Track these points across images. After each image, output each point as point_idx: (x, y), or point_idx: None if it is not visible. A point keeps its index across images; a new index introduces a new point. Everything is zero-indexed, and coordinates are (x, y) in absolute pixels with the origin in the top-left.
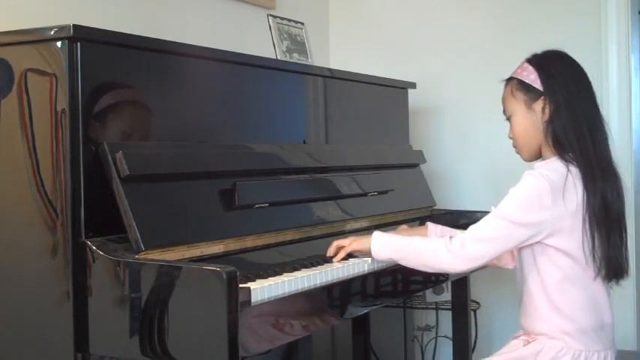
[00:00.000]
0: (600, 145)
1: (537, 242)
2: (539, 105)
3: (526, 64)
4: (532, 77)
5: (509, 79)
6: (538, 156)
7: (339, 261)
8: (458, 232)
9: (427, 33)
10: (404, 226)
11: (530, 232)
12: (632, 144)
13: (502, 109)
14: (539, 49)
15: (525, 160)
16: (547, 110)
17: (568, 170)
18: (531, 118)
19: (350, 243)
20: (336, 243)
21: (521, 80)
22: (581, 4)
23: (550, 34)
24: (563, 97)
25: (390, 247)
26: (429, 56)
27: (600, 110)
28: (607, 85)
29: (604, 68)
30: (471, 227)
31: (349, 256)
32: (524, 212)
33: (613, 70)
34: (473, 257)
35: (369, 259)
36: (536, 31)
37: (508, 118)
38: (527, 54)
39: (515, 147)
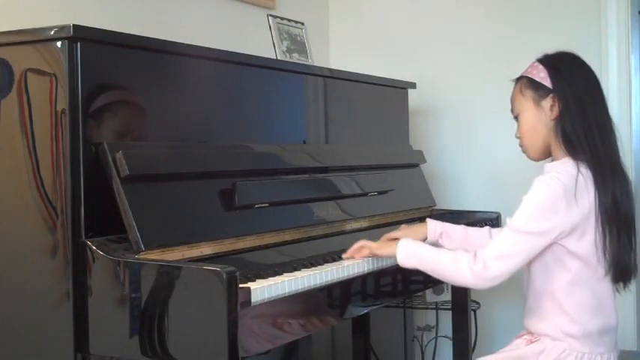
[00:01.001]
0: (610, 145)
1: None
2: (547, 102)
3: (537, 63)
4: (542, 75)
5: (519, 78)
6: (545, 155)
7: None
8: (459, 231)
9: (427, 33)
10: (404, 225)
11: (549, 239)
12: (632, 144)
13: (510, 108)
14: (539, 49)
15: (532, 159)
16: (556, 108)
17: (579, 172)
18: (539, 116)
19: (377, 247)
20: (362, 241)
21: (530, 78)
22: (581, 4)
23: (550, 34)
24: (572, 95)
25: (417, 258)
26: (429, 56)
27: (610, 112)
28: (607, 85)
29: (604, 68)
30: (491, 245)
31: None
32: (540, 221)
33: (613, 70)
34: (496, 276)
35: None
36: (537, 31)
37: (516, 117)
38: (527, 54)
39: (521, 146)
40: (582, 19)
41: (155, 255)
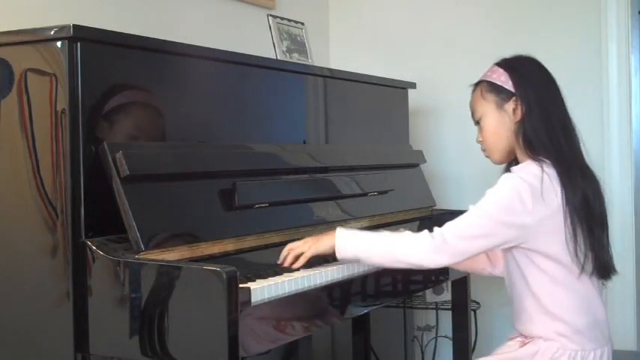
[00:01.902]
0: (574, 146)
1: (517, 248)
2: (510, 106)
3: (496, 67)
4: (503, 79)
5: (478, 83)
6: (509, 158)
7: (298, 267)
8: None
9: (427, 33)
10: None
11: (513, 234)
12: (632, 144)
13: (470, 113)
14: (539, 49)
15: (495, 162)
16: (519, 111)
17: (543, 171)
18: (502, 119)
19: (309, 247)
20: (288, 247)
21: (491, 82)
22: (581, 4)
23: (550, 34)
24: (534, 98)
25: (356, 241)
26: (429, 56)
27: (571, 116)
28: (607, 85)
29: (604, 68)
30: (451, 224)
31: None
32: (506, 212)
33: (613, 70)
34: (455, 253)
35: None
36: (537, 32)
37: (477, 122)
38: (527, 54)
39: (484, 150)
40: (582, 19)
41: (155, 255)
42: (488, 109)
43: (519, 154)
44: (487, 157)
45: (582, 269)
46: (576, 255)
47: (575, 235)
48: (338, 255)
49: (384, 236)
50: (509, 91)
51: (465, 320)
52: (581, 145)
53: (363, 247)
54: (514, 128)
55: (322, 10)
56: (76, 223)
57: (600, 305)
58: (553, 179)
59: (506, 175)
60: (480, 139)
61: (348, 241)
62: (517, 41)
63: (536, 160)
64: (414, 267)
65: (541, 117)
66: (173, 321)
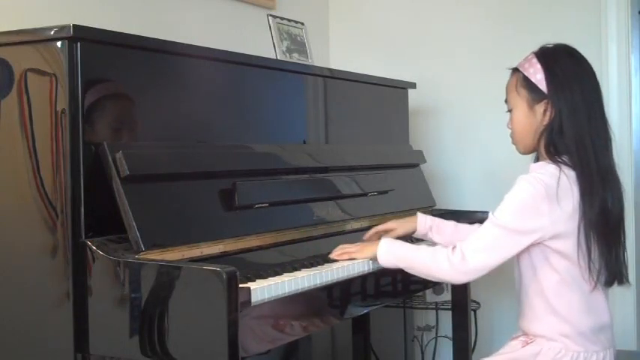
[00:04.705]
0: (601, 153)
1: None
2: (541, 107)
3: (534, 60)
4: (538, 77)
5: (515, 70)
6: (533, 150)
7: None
8: (449, 225)
9: (427, 33)
10: (392, 221)
11: (530, 239)
12: (632, 144)
13: (504, 97)
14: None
15: (521, 153)
16: (548, 114)
17: (561, 171)
18: (531, 119)
19: (356, 250)
20: (341, 246)
21: (526, 77)
22: (581, 4)
23: (550, 34)
24: (566, 104)
25: (396, 255)
26: (428, 56)
27: (605, 112)
28: (607, 85)
29: (604, 68)
30: (471, 237)
31: None
32: (522, 220)
33: (613, 70)
34: (474, 269)
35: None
36: (537, 31)
37: (509, 110)
38: (527, 54)
39: (512, 137)
40: (582, 19)
41: (155, 255)
42: (520, 105)
43: (540, 153)
44: (513, 144)
45: (595, 283)
46: (589, 269)
47: (589, 251)
48: (380, 263)
49: (420, 254)
50: (542, 92)
51: (465, 320)
52: (613, 146)
53: (402, 262)
54: (541, 129)
55: (322, 10)
56: (76, 223)
57: (606, 309)
58: (572, 181)
59: (523, 177)
60: (510, 127)
61: (389, 255)
62: (517, 41)
63: (554, 162)
64: (445, 282)
65: (570, 124)
66: (173, 321)
